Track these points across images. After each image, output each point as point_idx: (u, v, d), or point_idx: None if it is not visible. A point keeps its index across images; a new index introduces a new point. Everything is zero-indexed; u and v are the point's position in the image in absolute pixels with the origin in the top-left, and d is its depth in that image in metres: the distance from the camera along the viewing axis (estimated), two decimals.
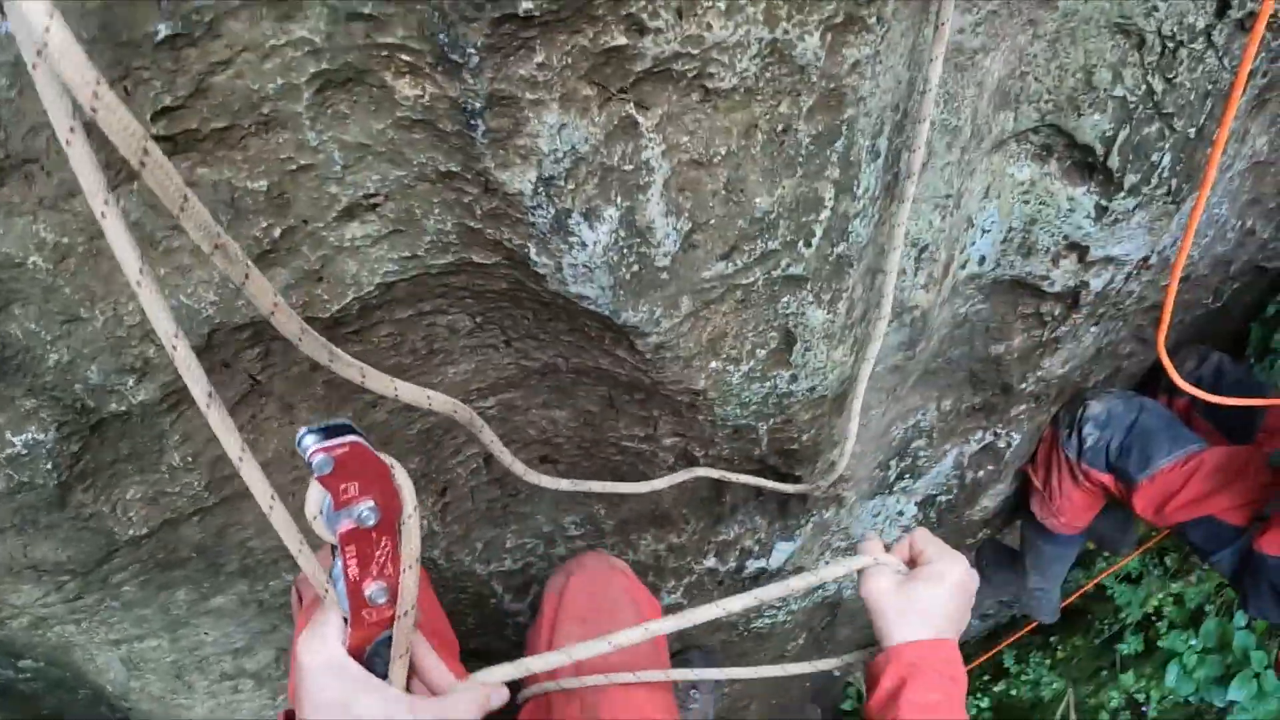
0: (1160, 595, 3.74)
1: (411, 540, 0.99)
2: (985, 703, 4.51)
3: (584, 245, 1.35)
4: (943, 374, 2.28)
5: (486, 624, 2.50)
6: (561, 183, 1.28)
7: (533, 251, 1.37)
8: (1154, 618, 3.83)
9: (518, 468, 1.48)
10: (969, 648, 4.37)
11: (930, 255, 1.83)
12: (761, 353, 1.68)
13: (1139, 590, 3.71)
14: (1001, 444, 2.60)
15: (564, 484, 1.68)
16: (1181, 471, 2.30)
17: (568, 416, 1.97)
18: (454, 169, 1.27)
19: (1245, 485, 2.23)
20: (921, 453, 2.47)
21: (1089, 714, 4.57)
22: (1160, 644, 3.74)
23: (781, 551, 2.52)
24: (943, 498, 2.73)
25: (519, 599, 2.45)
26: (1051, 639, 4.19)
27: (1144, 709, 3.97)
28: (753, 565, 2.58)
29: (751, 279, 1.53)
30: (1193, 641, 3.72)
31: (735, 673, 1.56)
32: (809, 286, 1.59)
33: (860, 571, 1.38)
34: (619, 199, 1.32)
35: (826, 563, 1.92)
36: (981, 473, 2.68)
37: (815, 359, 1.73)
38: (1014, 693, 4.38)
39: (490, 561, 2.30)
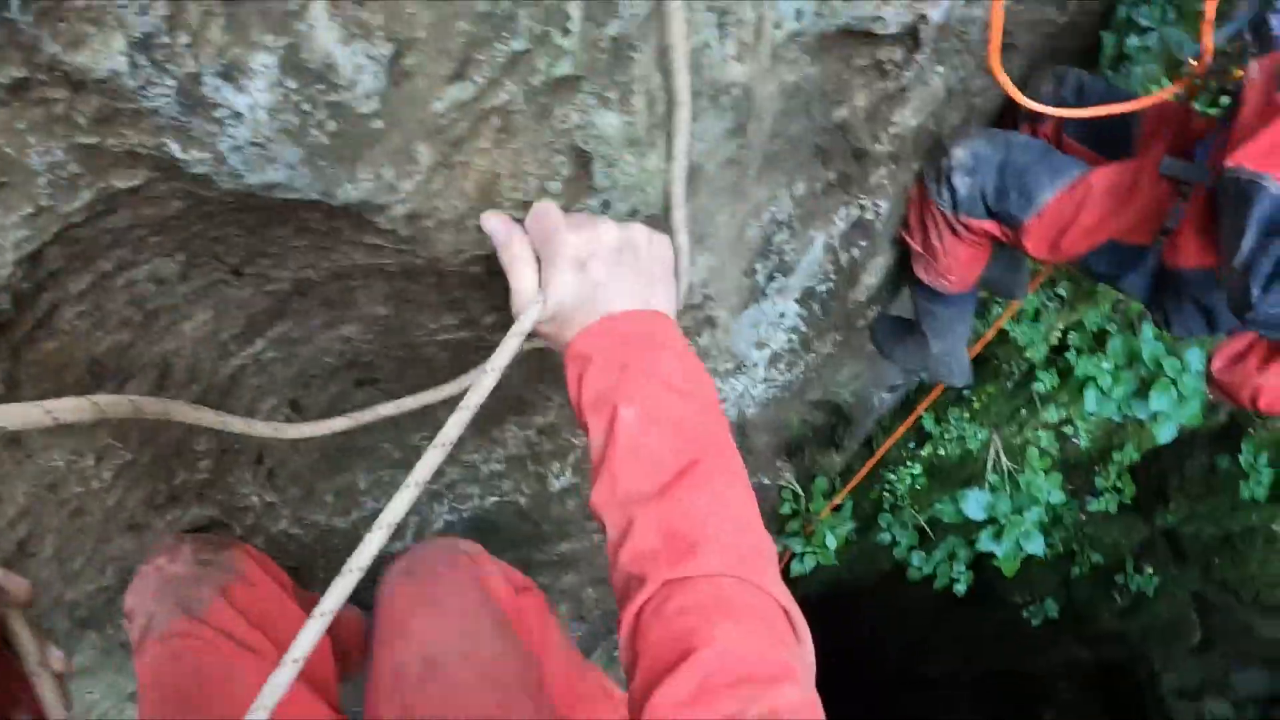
0: (1062, 326, 3.59)
1: None
2: (917, 469, 4.39)
3: (239, 117, 0.94)
4: (787, 156, 1.93)
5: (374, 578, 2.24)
6: (167, 38, 0.86)
7: (175, 149, 0.96)
8: (1060, 349, 3.69)
9: (260, 429, 1.13)
10: (887, 419, 4.20)
11: (735, 18, 1.46)
12: (555, 185, 1.30)
13: (1039, 326, 3.53)
14: (869, 216, 2.30)
15: (337, 424, 1.31)
16: (1070, 201, 2.04)
17: (359, 330, 1.59)
18: (21, 75, 0.87)
19: (1140, 201, 1.98)
20: (787, 246, 2.15)
21: (1018, 452, 4.48)
22: (1074, 373, 3.61)
23: None
24: (821, 288, 2.44)
25: (397, 539, 2.17)
26: (965, 393, 4.04)
27: (1074, 440, 3.88)
28: None
29: (505, 97, 1.12)
30: (1104, 364, 3.59)
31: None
32: (586, 87, 1.20)
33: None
34: (268, 37, 0.90)
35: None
36: (856, 251, 2.39)
37: (624, 174, 1.35)
38: (942, 452, 4.26)
39: (350, 511, 1.99)
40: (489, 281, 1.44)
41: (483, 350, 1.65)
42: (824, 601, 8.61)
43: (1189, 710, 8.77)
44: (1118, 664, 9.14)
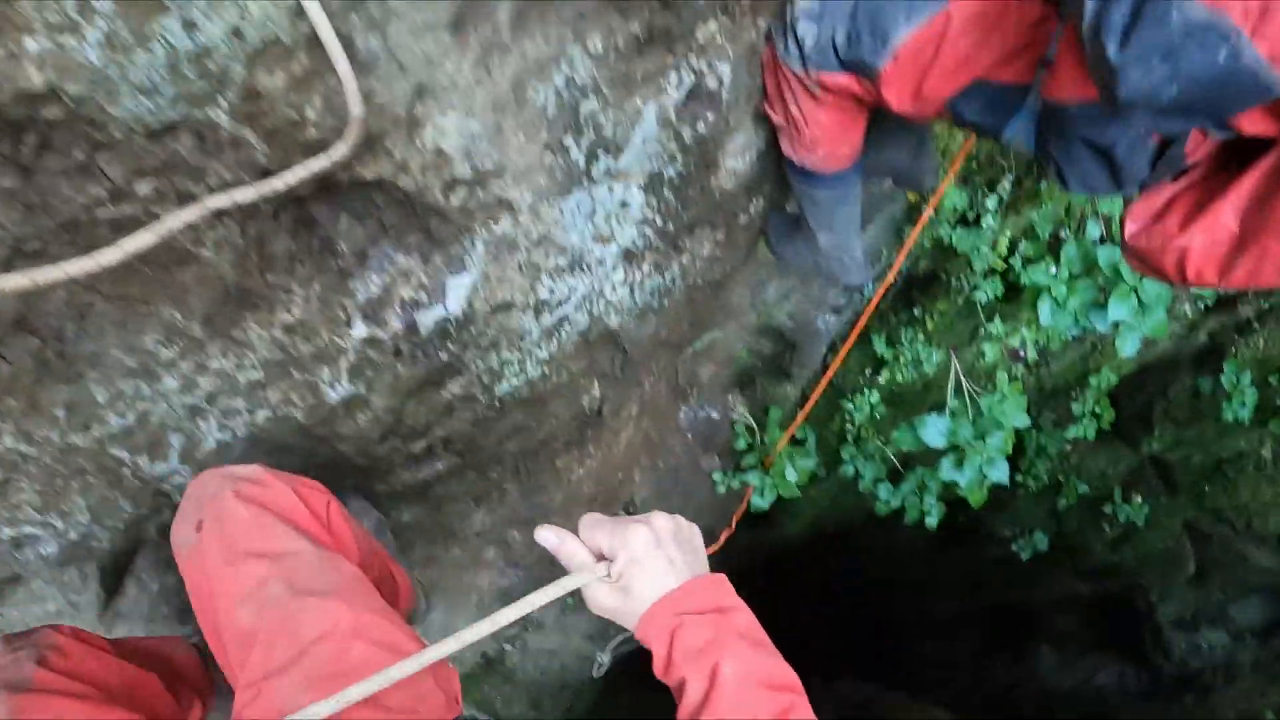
0: (1008, 231, 3.28)
1: None
2: (875, 398, 4.11)
3: None
4: None
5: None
6: None
7: None
8: (1010, 259, 3.38)
9: None
10: (839, 344, 3.91)
11: None
12: (106, 5, 1.03)
13: (981, 233, 3.22)
14: (711, 82, 1.94)
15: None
16: (928, 37, 1.69)
17: None
18: None
19: (1010, 29, 1.63)
20: (601, 118, 1.81)
21: (982, 375, 4.19)
22: (1023, 282, 3.31)
23: (459, 288, 1.91)
24: (670, 171, 2.09)
25: (159, 459, 1.90)
26: (916, 312, 3.75)
27: (1021, 353, 3.59)
28: (430, 318, 1.97)
29: None
30: (1057, 272, 3.29)
31: (475, 631, 1.25)
32: None
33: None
34: None
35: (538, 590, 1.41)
36: (703, 126, 2.03)
37: None
38: (900, 378, 3.97)
39: (90, 426, 1.73)
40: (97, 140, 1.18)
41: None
42: (816, 542, 8.43)
43: (1186, 640, 8.57)
44: (1115, 595, 8.95)
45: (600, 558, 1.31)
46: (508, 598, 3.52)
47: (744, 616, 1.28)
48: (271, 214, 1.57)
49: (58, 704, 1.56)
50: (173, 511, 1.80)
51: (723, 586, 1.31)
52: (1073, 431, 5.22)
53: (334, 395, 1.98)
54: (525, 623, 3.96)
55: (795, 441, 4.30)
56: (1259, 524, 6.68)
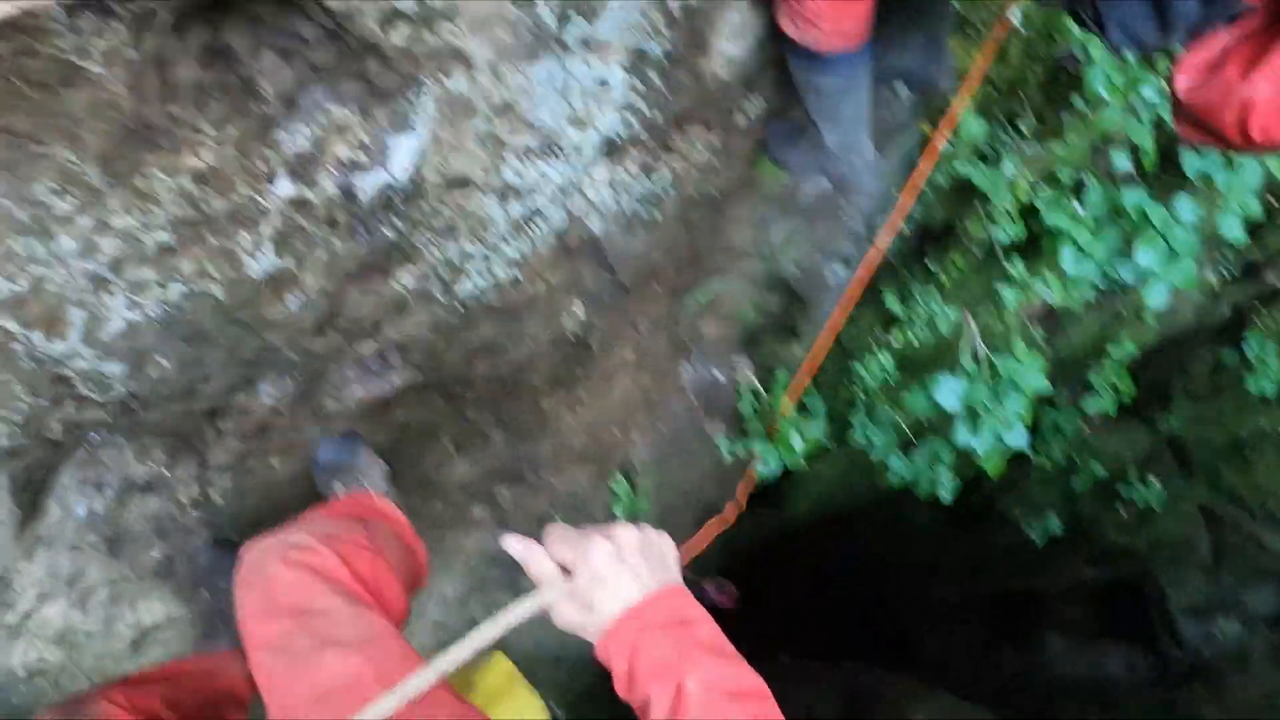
0: (1029, 173, 3.04)
1: None
2: (886, 359, 3.88)
3: None
4: None
5: None
6: None
7: None
8: (1031, 201, 3.14)
9: None
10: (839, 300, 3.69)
11: None
12: None
13: (998, 170, 2.97)
14: None
15: None
16: None
17: None
18: None
19: None
20: None
21: (999, 340, 3.97)
22: (1046, 224, 3.07)
23: (404, 151, 1.65)
24: (655, 48, 1.83)
25: (56, 336, 1.66)
26: (930, 267, 3.52)
27: (1044, 299, 3.33)
28: (370, 183, 1.73)
29: None
30: (1081, 215, 3.06)
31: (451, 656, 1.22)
32: None
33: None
34: None
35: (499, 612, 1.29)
36: None
37: None
38: (912, 339, 3.75)
39: None
40: None
41: None
42: (821, 526, 8.24)
43: (1198, 629, 8.35)
44: (1124, 582, 8.75)
45: (565, 571, 1.27)
46: (499, 562, 3.31)
47: (706, 628, 1.26)
48: (171, 25, 1.33)
49: None
50: (77, 405, 1.70)
51: (683, 598, 1.28)
52: (1091, 405, 4.97)
53: (257, 268, 1.74)
54: (519, 593, 3.75)
55: (803, 409, 4.08)
56: (1275, 506, 6.50)
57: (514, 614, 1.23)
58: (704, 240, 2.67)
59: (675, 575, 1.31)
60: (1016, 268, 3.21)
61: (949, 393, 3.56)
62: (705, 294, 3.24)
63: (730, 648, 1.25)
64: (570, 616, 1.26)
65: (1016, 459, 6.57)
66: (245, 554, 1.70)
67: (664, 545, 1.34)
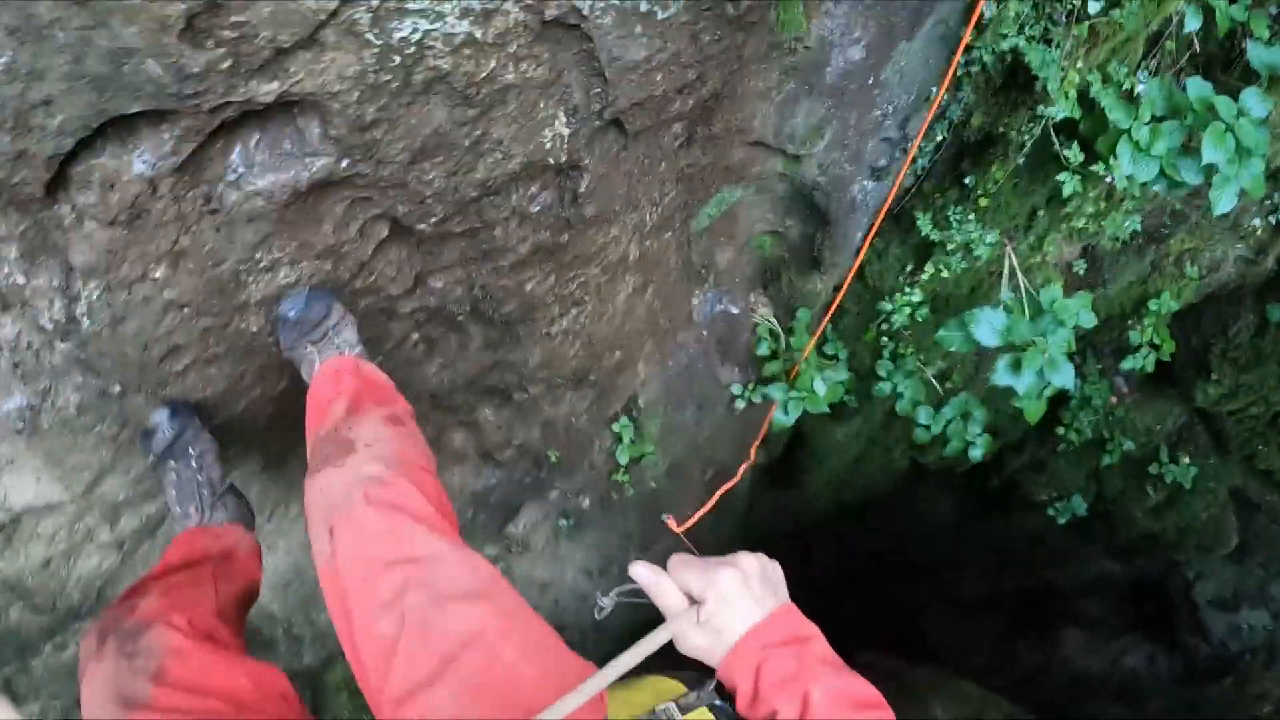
0: (1080, 69, 2.65)
1: None
2: (917, 297, 3.50)
3: None
4: None
5: None
6: None
7: None
8: (1080, 114, 2.74)
9: None
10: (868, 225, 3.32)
11: None
12: None
13: (1051, 52, 2.56)
14: None
15: None
16: None
17: None
18: None
19: None
20: None
21: (1037, 273, 3.59)
22: (1101, 116, 2.67)
23: None
24: None
25: None
26: (966, 182, 3.12)
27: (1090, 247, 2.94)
28: None
29: None
30: (1140, 112, 2.67)
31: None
32: None
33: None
34: None
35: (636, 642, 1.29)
36: None
37: None
38: (946, 273, 3.36)
39: None
40: None
41: None
42: (840, 514, 7.90)
43: (1224, 621, 7.99)
44: (1148, 575, 8.38)
45: (689, 597, 1.28)
46: (485, 504, 2.93)
47: (821, 644, 1.29)
48: None
49: None
50: None
51: (798, 616, 1.30)
52: (1128, 363, 4.58)
53: None
54: (510, 545, 3.37)
55: (825, 356, 3.70)
56: None
57: (651, 643, 1.24)
58: (717, 86, 2.24)
59: (786, 596, 1.33)
60: (1074, 153, 2.81)
61: (988, 327, 3.17)
62: (718, 205, 2.86)
63: (843, 662, 1.27)
64: (696, 642, 1.26)
65: (1042, 434, 6.23)
66: (314, 485, 1.67)
67: (777, 572, 1.35)
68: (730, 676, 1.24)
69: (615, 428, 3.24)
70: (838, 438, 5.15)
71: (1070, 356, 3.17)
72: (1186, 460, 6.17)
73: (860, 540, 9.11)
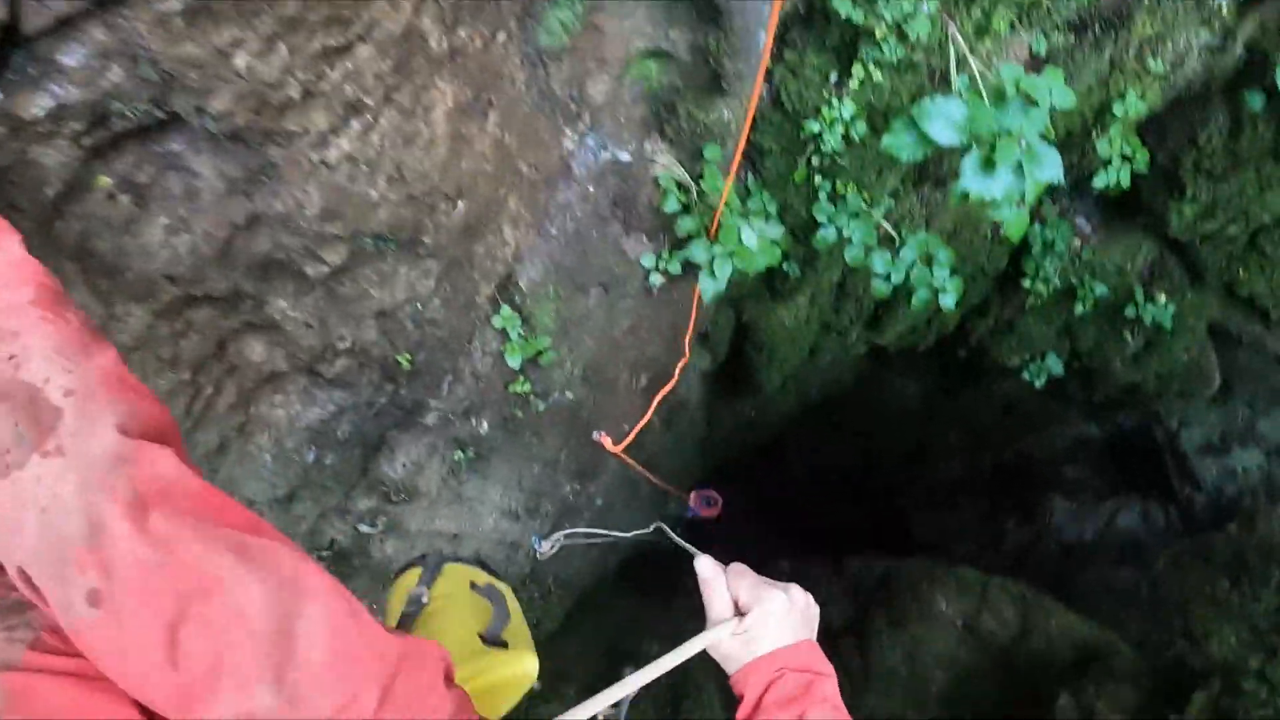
0: None
1: None
2: (849, 109, 2.73)
3: None
4: None
5: None
6: None
7: None
8: None
9: None
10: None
11: None
12: None
13: None
14: None
15: None
16: None
17: None
18: None
19: None
20: None
21: (990, 50, 2.83)
22: None
23: None
24: None
25: None
26: None
27: None
28: None
29: None
30: None
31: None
32: None
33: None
34: None
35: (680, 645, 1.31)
36: None
37: None
38: (878, 74, 2.59)
39: None
40: None
41: None
42: (804, 418, 7.26)
43: (1216, 466, 7.48)
44: (1128, 433, 7.83)
45: (734, 603, 1.37)
46: (330, 441, 2.14)
47: (831, 684, 1.35)
48: None
49: (42, 684, 1.25)
50: None
51: (819, 653, 1.38)
52: (1101, 180, 3.83)
53: None
54: (389, 493, 2.58)
55: (742, 192, 2.92)
56: None
57: (693, 646, 1.33)
58: None
59: (814, 635, 1.40)
60: None
61: (943, 121, 2.41)
62: (568, 7, 2.05)
63: (844, 707, 1.33)
64: (727, 648, 1.35)
65: (1006, 291, 5.53)
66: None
67: (816, 611, 1.43)
68: (743, 683, 1.33)
69: (496, 321, 2.45)
70: (786, 323, 4.39)
71: (1050, 142, 2.42)
72: (1163, 299, 5.51)
73: (830, 441, 8.50)
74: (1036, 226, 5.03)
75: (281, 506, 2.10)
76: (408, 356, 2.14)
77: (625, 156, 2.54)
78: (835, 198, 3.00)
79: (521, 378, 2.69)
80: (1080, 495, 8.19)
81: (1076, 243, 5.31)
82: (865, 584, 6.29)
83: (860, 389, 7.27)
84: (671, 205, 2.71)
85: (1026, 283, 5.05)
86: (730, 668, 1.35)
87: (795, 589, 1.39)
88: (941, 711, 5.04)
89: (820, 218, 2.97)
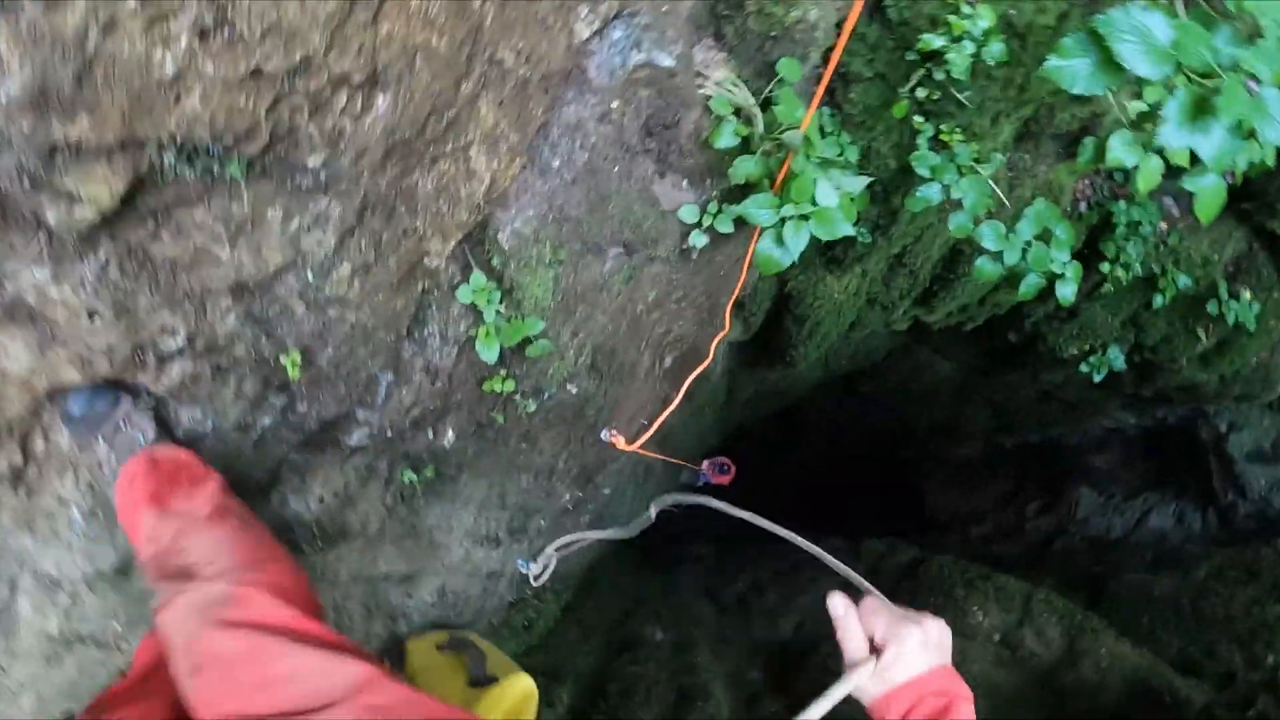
0: None
1: None
2: (985, 21, 1.85)
3: None
4: None
5: None
6: None
7: None
8: None
9: None
10: None
11: None
12: None
13: None
14: None
15: None
16: None
17: None
18: None
19: None
20: None
21: None
22: None
23: None
24: None
25: None
26: None
27: None
28: None
29: None
30: None
31: None
32: None
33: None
34: None
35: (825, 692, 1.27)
36: None
37: None
38: None
39: None
40: None
41: None
42: (825, 388, 6.49)
43: (1265, 474, 6.69)
44: (1168, 428, 7.07)
45: (870, 641, 1.32)
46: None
47: (969, 706, 1.31)
48: None
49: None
50: None
51: (957, 677, 1.34)
52: (1245, 159, 2.93)
53: None
54: (300, 543, 1.77)
55: (820, 126, 2.07)
56: None
57: (837, 693, 1.26)
58: None
59: (949, 660, 1.35)
60: None
61: (1137, 42, 1.56)
62: None
63: None
64: (865, 685, 1.30)
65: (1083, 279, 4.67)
66: (163, 618, 1.37)
67: (950, 638, 1.37)
68: (884, 710, 1.28)
69: (462, 294, 1.61)
70: (834, 295, 3.55)
71: None
72: (1248, 296, 4.67)
73: (851, 413, 7.73)
74: (1122, 204, 4.17)
75: (110, 582, 1.34)
76: (294, 356, 1.34)
77: (667, 61, 1.68)
78: (939, 146, 2.14)
79: (502, 373, 1.86)
80: (1109, 488, 7.50)
81: (1162, 226, 4.45)
82: (888, 572, 5.54)
83: (889, 361, 6.48)
84: (726, 140, 1.85)
85: (1105, 267, 4.19)
86: (865, 698, 1.32)
87: (929, 620, 1.33)
88: None
89: (921, 170, 2.11)
